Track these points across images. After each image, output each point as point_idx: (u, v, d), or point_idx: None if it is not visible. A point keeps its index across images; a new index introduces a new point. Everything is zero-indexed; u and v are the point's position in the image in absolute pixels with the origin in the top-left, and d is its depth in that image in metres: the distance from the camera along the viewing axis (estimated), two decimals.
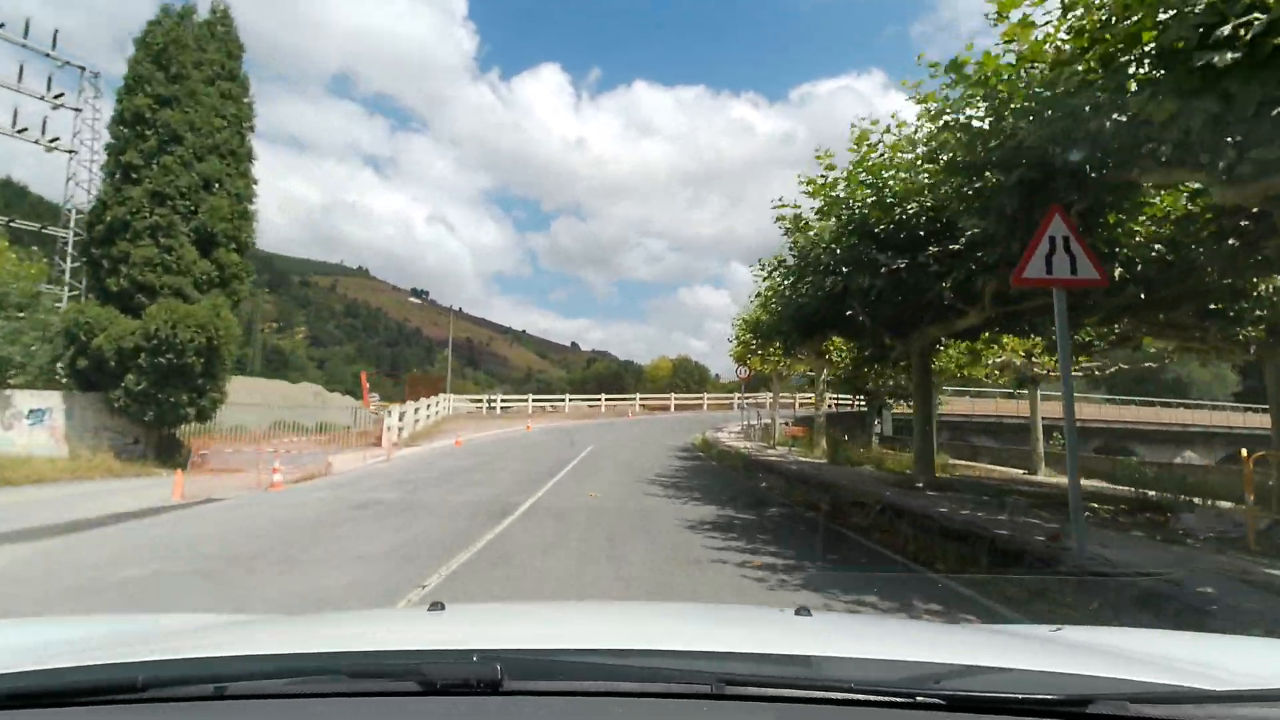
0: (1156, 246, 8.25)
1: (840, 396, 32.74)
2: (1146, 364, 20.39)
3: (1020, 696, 0.85)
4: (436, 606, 1.51)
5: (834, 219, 10.51)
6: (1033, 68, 6.27)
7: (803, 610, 1.55)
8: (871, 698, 0.87)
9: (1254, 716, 0.86)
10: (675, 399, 42.34)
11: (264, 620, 2.00)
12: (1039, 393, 20.30)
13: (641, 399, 42.28)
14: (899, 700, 0.87)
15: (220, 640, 1.43)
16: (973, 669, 1.03)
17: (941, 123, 7.53)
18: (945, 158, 7.92)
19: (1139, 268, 8.23)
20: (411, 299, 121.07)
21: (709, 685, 0.88)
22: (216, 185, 15.52)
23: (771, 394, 27.76)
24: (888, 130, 9.67)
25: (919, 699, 0.86)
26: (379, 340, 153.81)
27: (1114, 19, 5.15)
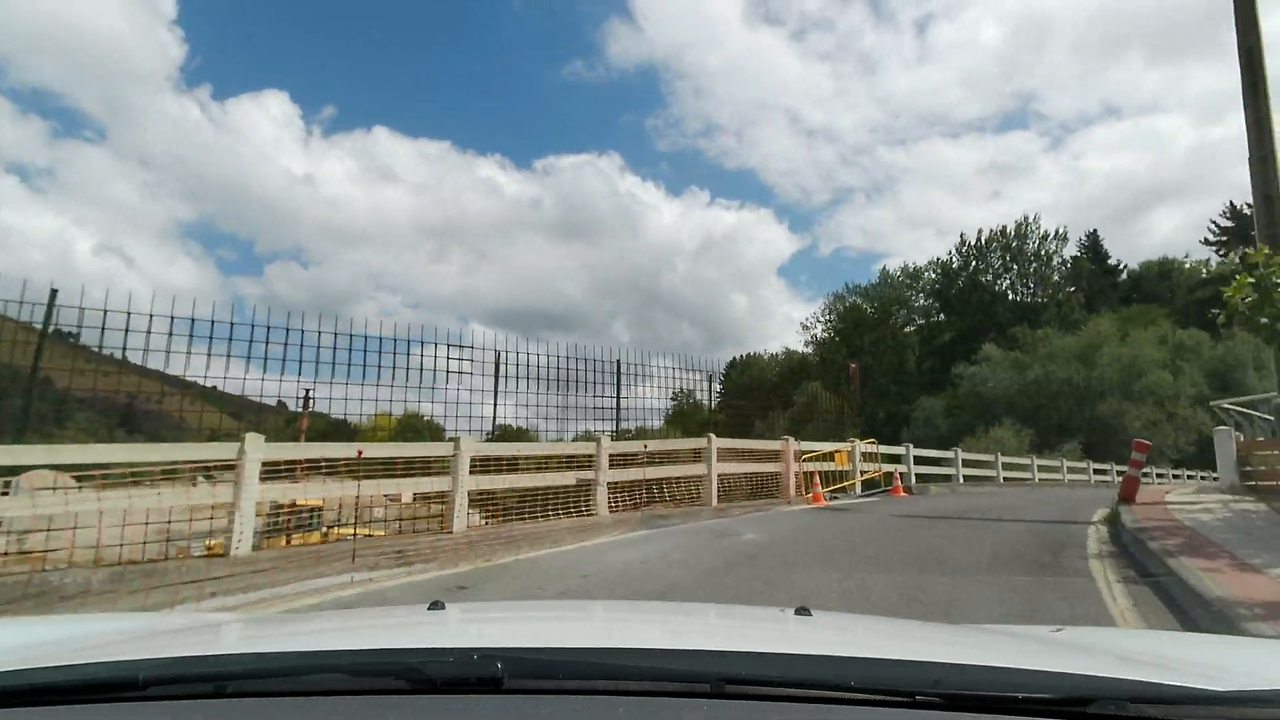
0: None
1: None
2: None
3: (1020, 696, 0.86)
4: (437, 605, 1.51)
5: None
6: None
7: (803, 610, 1.55)
8: (871, 697, 0.88)
9: (1255, 718, 0.87)
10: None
11: (265, 619, 1.95)
12: None
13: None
14: (899, 700, 0.87)
15: (221, 638, 1.44)
16: (972, 668, 1.04)
17: None
18: None
19: None
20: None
21: (709, 684, 0.89)
22: None
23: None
24: None
25: (919, 698, 0.87)
26: None
27: None
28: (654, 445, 11.05)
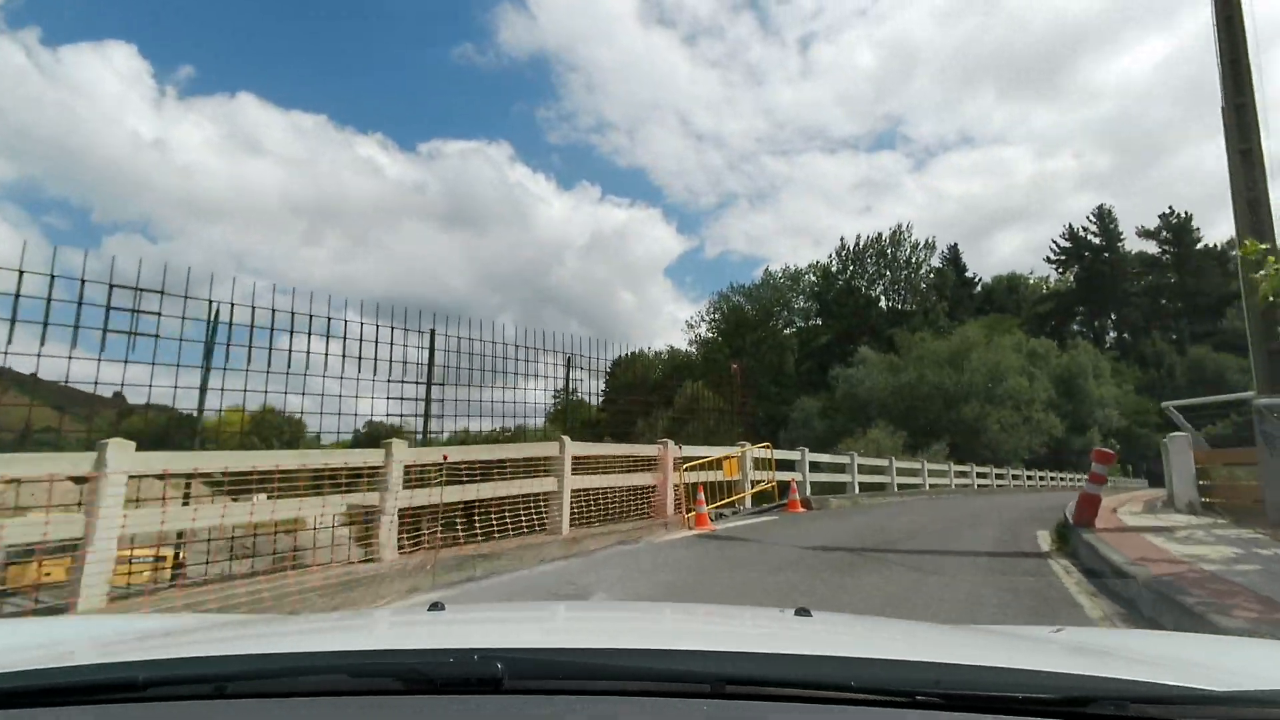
0: None
1: None
2: None
3: (1020, 696, 0.86)
4: (437, 607, 1.54)
5: None
6: None
7: (803, 611, 1.58)
8: (871, 697, 0.87)
9: (1255, 718, 0.87)
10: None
11: (265, 619, 1.99)
12: None
13: None
14: (899, 699, 0.87)
15: (221, 639, 1.42)
16: (972, 669, 1.02)
17: None
18: None
19: None
20: None
21: (709, 684, 0.88)
22: None
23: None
24: None
25: (919, 698, 0.87)
26: None
27: None
28: (475, 453, 7.41)
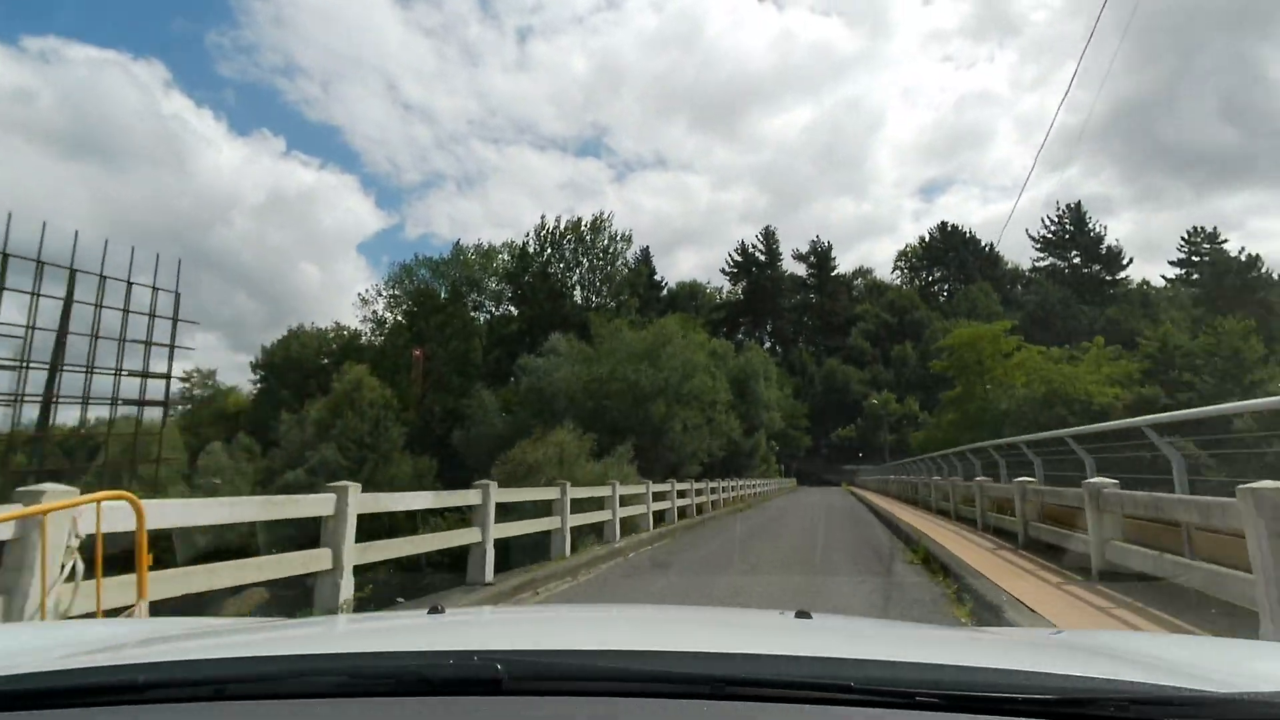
0: None
1: None
2: None
3: (1019, 697, 0.86)
4: (436, 609, 1.58)
5: None
6: None
7: (803, 612, 1.59)
8: (871, 698, 0.87)
9: None
10: None
11: (264, 622, 2.05)
12: None
13: None
14: (898, 701, 0.86)
15: (220, 642, 1.40)
16: (972, 670, 1.02)
17: None
18: None
19: None
20: None
21: (709, 686, 0.88)
22: None
23: None
24: None
25: (918, 699, 0.86)
26: None
27: None
28: None
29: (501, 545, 7.86)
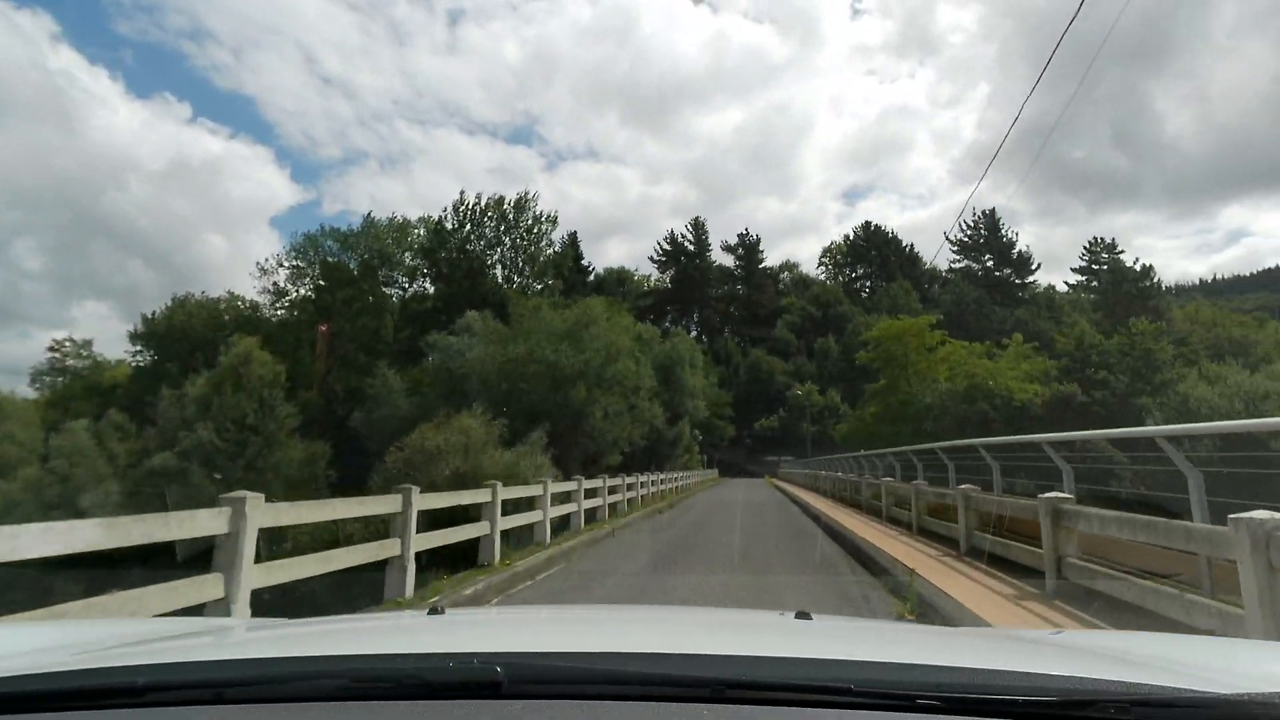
0: None
1: None
2: None
3: (1020, 699, 0.85)
4: (436, 611, 1.61)
5: None
6: None
7: (803, 614, 1.59)
8: (871, 700, 0.86)
9: None
10: None
11: (264, 624, 2.01)
12: None
13: None
14: (899, 703, 0.86)
15: (220, 643, 1.41)
16: (972, 671, 1.00)
17: None
18: None
19: None
20: None
21: (709, 688, 0.88)
22: None
23: None
24: None
25: (919, 701, 0.86)
26: None
27: None
28: None
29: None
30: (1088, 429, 26.26)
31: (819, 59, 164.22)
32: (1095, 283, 73.32)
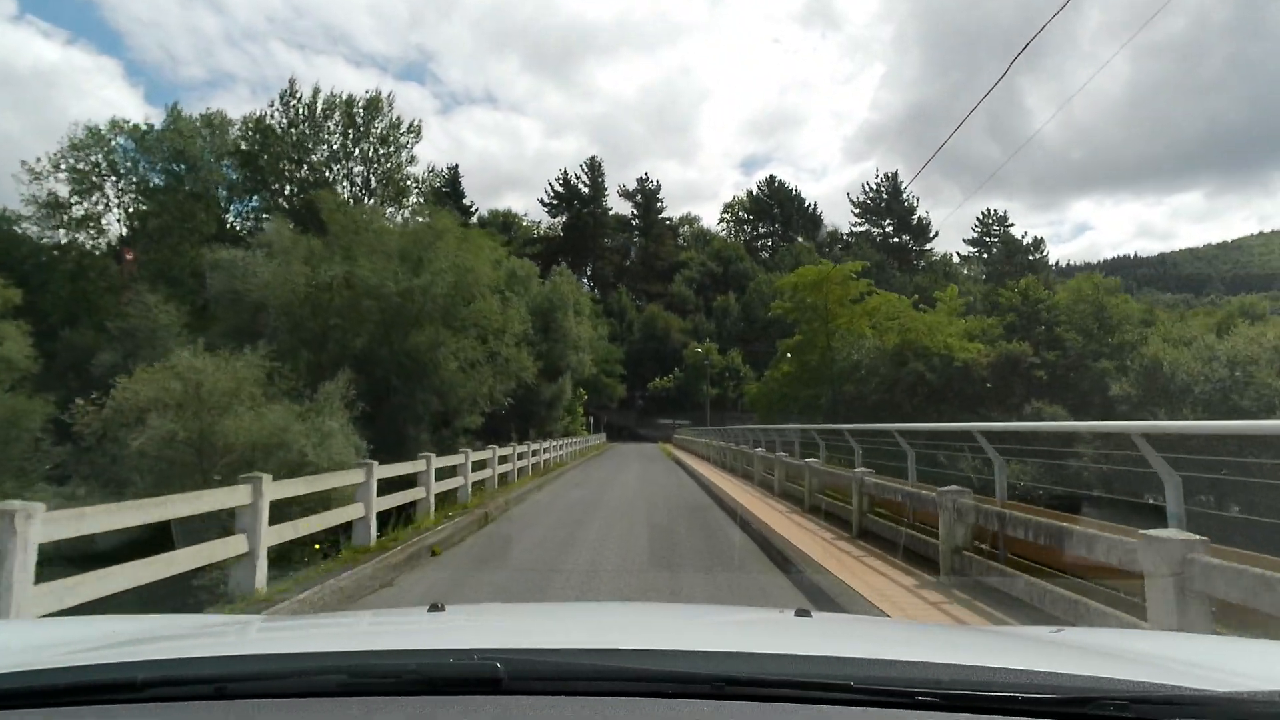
0: None
1: None
2: None
3: (1019, 696, 0.86)
4: (436, 607, 1.53)
5: None
6: None
7: (803, 611, 1.60)
8: (871, 697, 0.87)
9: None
10: None
11: (264, 620, 2.03)
12: None
13: None
14: (898, 700, 0.86)
15: (220, 640, 1.41)
16: (972, 669, 1.00)
17: None
18: None
19: None
20: None
21: (709, 685, 0.88)
22: None
23: None
24: None
25: (919, 698, 0.86)
26: None
27: None
28: None
29: None
30: (1039, 395, 21.46)
31: (725, 21, 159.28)
32: (985, 255, 73.57)
